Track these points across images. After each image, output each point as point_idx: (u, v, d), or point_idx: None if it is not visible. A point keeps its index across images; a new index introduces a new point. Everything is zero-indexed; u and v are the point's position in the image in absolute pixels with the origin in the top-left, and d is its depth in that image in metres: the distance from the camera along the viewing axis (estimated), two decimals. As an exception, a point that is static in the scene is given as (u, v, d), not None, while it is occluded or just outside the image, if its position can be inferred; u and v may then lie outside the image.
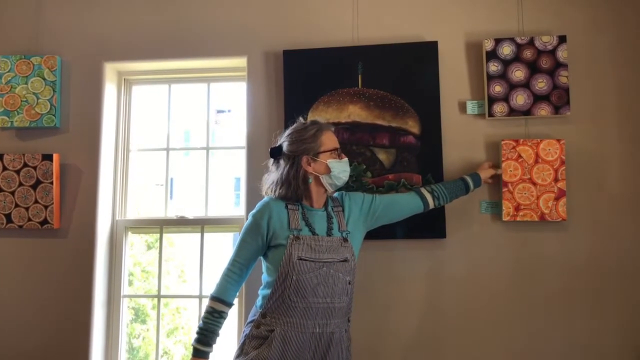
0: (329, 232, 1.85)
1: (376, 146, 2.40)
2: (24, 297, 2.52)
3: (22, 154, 2.51)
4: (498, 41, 2.39)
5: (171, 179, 2.90)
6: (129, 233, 2.69)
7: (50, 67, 2.55)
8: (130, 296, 2.80)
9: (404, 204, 2.08)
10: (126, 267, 2.66)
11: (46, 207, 2.48)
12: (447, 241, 2.36)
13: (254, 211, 1.88)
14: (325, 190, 1.92)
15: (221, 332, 1.86)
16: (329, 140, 1.91)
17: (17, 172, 2.50)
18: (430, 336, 2.35)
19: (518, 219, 2.31)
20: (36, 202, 2.49)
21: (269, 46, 2.54)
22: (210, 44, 2.58)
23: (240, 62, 2.60)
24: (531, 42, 2.37)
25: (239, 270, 1.86)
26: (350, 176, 2.36)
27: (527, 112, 2.36)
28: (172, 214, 2.70)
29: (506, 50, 2.39)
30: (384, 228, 2.35)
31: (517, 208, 2.31)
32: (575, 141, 2.35)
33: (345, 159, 1.93)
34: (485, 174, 2.25)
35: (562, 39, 2.35)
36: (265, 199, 1.90)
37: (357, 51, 2.44)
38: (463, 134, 2.41)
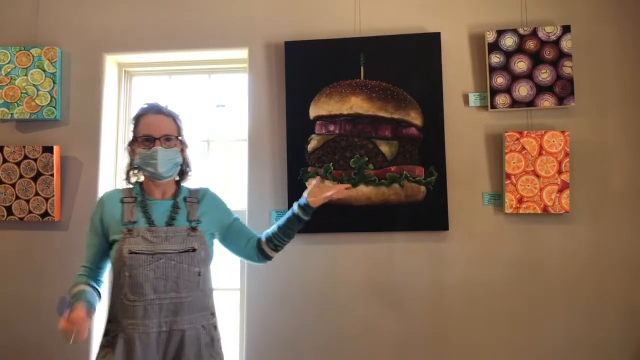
0: (170, 222, 1.69)
1: (378, 138, 2.38)
2: (25, 289, 2.51)
3: (22, 146, 2.49)
4: (500, 33, 2.37)
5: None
6: (130, 226, 2.67)
7: (50, 59, 2.54)
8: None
9: (242, 244, 1.85)
10: (127, 259, 2.65)
11: (47, 199, 2.47)
12: (450, 233, 2.35)
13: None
14: (177, 180, 1.79)
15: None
16: (145, 126, 1.71)
17: (18, 164, 2.49)
18: (433, 326, 2.35)
19: (521, 211, 2.30)
20: (37, 194, 2.47)
21: (270, 38, 2.52)
22: (211, 36, 2.56)
23: (242, 53, 2.58)
24: (534, 33, 2.35)
25: (86, 274, 1.74)
26: (352, 168, 2.36)
27: (530, 104, 2.35)
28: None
29: (508, 41, 2.37)
30: (387, 220, 2.36)
31: (520, 200, 2.30)
32: (579, 133, 2.34)
33: (155, 149, 1.67)
34: (312, 194, 1.81)
35: (566, 29, 2.33)
36: (102, 194, 1.78)
37: (360, 42, 2.43)
38: (466, 126, 2.40)
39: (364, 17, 2.49)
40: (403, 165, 2.36)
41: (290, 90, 2.45)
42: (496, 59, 2.37)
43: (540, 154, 2.30)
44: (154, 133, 1.68)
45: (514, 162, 2.31)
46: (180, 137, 1.74)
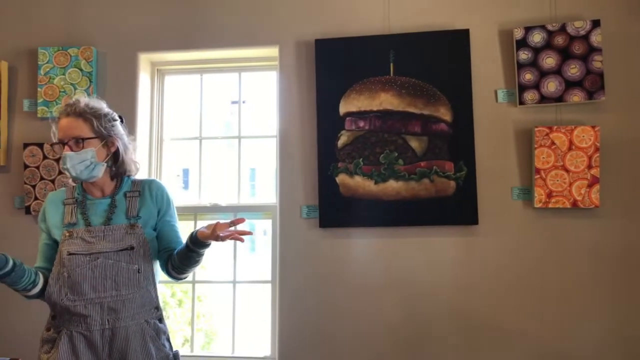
0: (107, 222, 1.70)
1: (408, 134, 2.42)
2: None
3: (61, 143, 2.58)
4: (528, 29, 2.39)
5: (186, 170, 2.93)
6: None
7: (87, 58, 2.61)
8: (164, 282, 2.86)
9: (161, 246, 1.79)
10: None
11: (85, 194, 2.55)
12: (479, 227, 2.38)
13: None
14: (111, 177, 1.77)
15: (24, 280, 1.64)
16: (58, 131, 1.71)
17: (57, 161, 2.57)
18: (463, 319, 2.37)
19: (550, 205, 2.32)
20: (75, 190, 2.55)
21: (300, 35, 2.57)
22: (242, 34, 2.61)
23: (272, 51, 2.63)
24: (563, 29, 2.37)
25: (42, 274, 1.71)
26: (382, 164, 2.40)
27: (559, 99, 2.36)
28: (187, 202, 2.75)
29: (537, 37, 2.39)
30: (417, 215, 2.39)
31: (549, 195, 2.32)
32: (610, 127, 2.34)
33: (64, 154, 1.66)
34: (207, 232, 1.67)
35: (595, 24, 2.34)
36: (48, 196, 1.80)
37: (389, 39, 2.46)
38: (495, 121, 2.42)
39: (393, 14, 2.52)
40: (433, 161, 2.39)
41: (321, 87, 2.49)
42: (524, 55, 2.39)
43: (570, 149, 2.31)
44: (63, 137, 1.68)
45: (544, 157, 2.33)
46: (95, 136, 1.69)
